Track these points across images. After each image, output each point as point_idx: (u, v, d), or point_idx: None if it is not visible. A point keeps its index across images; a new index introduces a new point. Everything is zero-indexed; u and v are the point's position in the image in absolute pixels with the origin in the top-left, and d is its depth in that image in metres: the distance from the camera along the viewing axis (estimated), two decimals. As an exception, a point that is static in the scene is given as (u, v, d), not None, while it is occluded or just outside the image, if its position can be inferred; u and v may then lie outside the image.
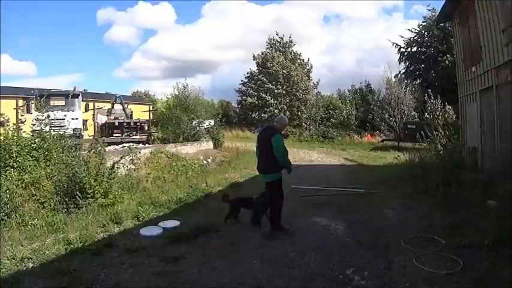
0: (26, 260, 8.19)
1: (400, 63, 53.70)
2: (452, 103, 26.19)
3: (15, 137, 13.55)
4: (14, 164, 12.66)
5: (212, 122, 34.26)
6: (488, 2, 14.17)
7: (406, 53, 53.11)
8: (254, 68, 62.84)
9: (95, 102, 36.97)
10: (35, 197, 12.00)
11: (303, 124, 56.35)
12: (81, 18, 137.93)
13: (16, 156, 12.84)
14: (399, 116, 43.01)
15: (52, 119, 15.25)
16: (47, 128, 14.31)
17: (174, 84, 61.77)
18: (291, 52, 62.76)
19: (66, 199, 11.86)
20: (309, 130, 52.66)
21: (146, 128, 33.85)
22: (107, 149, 17.85)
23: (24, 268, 7.90)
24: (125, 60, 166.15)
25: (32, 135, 14.27)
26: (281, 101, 58.03)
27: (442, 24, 29.57)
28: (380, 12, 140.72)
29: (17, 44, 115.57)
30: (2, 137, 13.56)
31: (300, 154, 32.14)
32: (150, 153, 21.70)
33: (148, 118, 35.38)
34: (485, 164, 15.37)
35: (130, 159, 17.27)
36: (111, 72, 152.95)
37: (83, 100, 32.09)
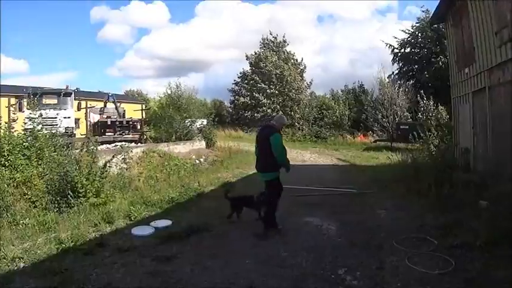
0: (17, 259, 8.14)
1: (393, 64, 53.82)
2: (445, 104, 26.26)
3: (7, 136, 13.48)
4: (6, 162, 12.57)
5: (205, 122, 34.21)
6: (482, 4, 14.21)
7: (399, 54, 53.15)
8: (247, 67, 62.93)
9: (87, 101, 36.74)
10: (27, 196, 11.94)
11: (296, 124, 56.27)
12: (75, 16, 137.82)
13: (8, 154, 12.74)
14: (392, 116, 43.09)
15: (44, 118, 15.17)
16: (39, 127, 14.25)
17: (167, 83, 61.84)
18: (284, 52, 62.82)
19: (58, 198, 11.82)
20: (302, 130, 52.67)
21: (139, 127, 33.84)
22: (99, 147, 17.82)
23: (16, 268, 7.86)
24: (118, 58, 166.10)
25: (24, 134, 14.21)
26: (274, 100, 58.07)
27: (435, 25, 29.65)
28: (374, 12, 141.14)
29: (10, 42, 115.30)
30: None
31: (292, 154, 31.91)
32: (143, 152, 21.65)
33: (141, 117, 35.32)
34: (478, 164, 15.42)
35: (123, 159, 17.25)
36: (104, 71, 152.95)
37: (75, 99, 32.03)
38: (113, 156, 15.00)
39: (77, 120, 32.79)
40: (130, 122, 33.49)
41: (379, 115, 43.97)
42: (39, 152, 13.51)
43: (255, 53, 62.04)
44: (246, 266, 7.94)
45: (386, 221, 11.24)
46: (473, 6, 15.11)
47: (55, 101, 29.31)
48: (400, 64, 53.43)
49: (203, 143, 30.28)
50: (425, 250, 8.54)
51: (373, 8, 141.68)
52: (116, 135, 30.87)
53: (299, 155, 32.31)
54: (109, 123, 32.71)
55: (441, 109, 30.20)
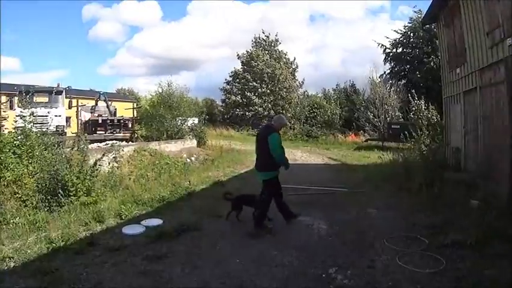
0: (7, 259, 8.10)
1: (385, 63, 53.93)
2: (437, 104, 26.31)
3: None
4: (-4, 161, 12.54)
5: (196, 120, 34.18)
6: (474, 5, 14.25)
7: (391, 54, 53.20)
8: (239, 66, 62.94)
9: (78, 99, 36.84)
10: (17, 195, 11.91)
11: (287, 123, 55.97)
12: (66, 14, 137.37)
13: (-2, 153, 12.72)
14: (383, 116, 43.18)
15: (35, 116, 15.12)
16: (30, 125, 14.19)
17: (158, 81, 61.68)
18: (276, 51, 62.89)
19: (49, 197, 11.80)
20: (293, 129, 52.60)
21: (130, 125, 33.86)
22: (90, 146, 17.76)
23: (6, 267, 7.82)
24: (110, 57, 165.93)
25: (15, 132, 14.16)
26: (265, 99, 58.12)
27: (427, 25, 29.76)
28: (366, 12, 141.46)
29: (1, 40, 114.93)
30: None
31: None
32: (134, 151, 21.61)
33: (132, 115, 35.28)
34: (468, 164, 15.47)
35: (114, 157, 17.21)
36: (96, 69, 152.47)
37: (66, 97, 32.09)
38: (103, 155, 14.91)
39: (68, 119, 32.88)
40: (122, 121, 33.56)
41: (370, 115, 44.07)
42: (30, 150, 13.46)
43: (247, 52, 62.07)
44: (236, 265, 7.93)
45: (377, 220, 11.25)
46: (465, 7, 15.14)
47: (46, 99, 29.37)
48: (392, 64, 53.52)
49: (194, 142, 30.29)
50: (416, 249, 8.54)
51: (366, 8, 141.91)
52: (107, 134, 30.93)
53: (290, 154, 31.96)
54: (100, 121, 32.75)
55: (432, 109, 30.24)
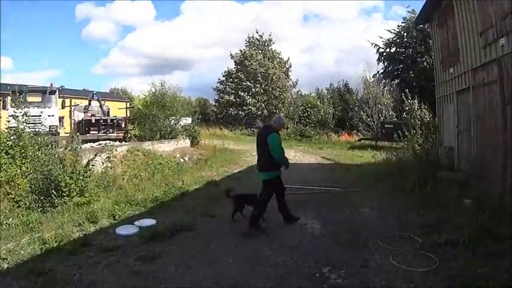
0: (0, 260, 8.11)
1: (378, 63, 53.86)
2: (430, 103, 26.39)
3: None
4: (-11, 161, 12.51)
5: (189, 120, 34.15)
6: (467, 5, 14.27)
7: (384, 54, 53.18)
8: (232, 66, 62.94)
9: (71, 99, 36.80)
10: (10, 196, 11.88)
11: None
12: (59, 13, 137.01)
13: (-9, 153, 12.68)
14: (377, 115, 43.24)
15: (28, 116, 15.08)
16: (23, 125, 14.15)
17: (151, 81, 61.56)
18: (269, 50, 62.88)
19: (42, 198, 11.80)
20: (287, 129, 52.45)
21: (123, 125, 33.81)
22: (83, 146, 17.74)
23: (-1, 268, 7.81)
24: (103, 56, 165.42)
25: (8, 132, 14.12)
26: (259, 99, 58.11)
27: (421, 25, 29.84)
28: (360, 12, 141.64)
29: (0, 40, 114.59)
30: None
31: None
32: (127, 151, 21.59)
33: (125, 115, 35.23)
34: (462, 163, 15.51)
35: (107, 157, 17.18)
36: (89, 69, 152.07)
37: (59, 97, 32.07)
38: (96, 155, 14.87)
39: (61, 119, 32.85)
40: (115, 121, 33.53)
41: (363, 114, 44.13)
42: (23, 150, 13.43)
43: (241, 52, 62.06)
44: (230, 265, 7.95)
45: (370, 220, 11.30)
46: (459, 7, 15.17)
47: (39, 99, 29.34)
48: (386, 63, 53.49)
49: (188, 142, 30.27)
50: (410, 248, 8.57)
51: (360, 8, 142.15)
52: (100, 134, 30.92)
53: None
54: (93, 121, 32.74)
55: (424, 108, 30.31)
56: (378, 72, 52.56)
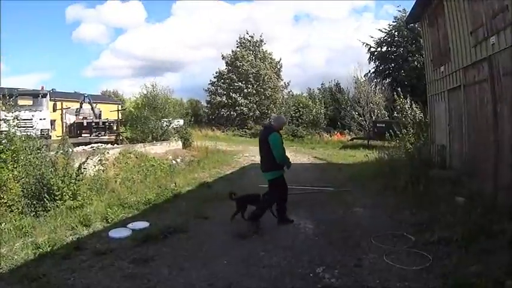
0: (-6, 265, 8.06)
1: (370, 62, 54.16)
2: (422, 102, 26.47)
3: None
4: (-20, 166, 12.45)
5: (181, 122, 34.12)
6: (457, 4, 14.31)
7: (376, 53, 53.41)
8: (223, 67, 62.98)
9: (63, 102, 36.64)
10: (2, 200, 11.78)
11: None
12: (50, 15, 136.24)
13: (-19, 158, 12.63)
14: (369, 114, 43.37)
15: (19, 120, 15.02)
16: (14, 129, 14.09)
17: (143, 83, 61.53)
18: (260, 51, 62.95)
19: (34, 202, 11.74)
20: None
21: (115, 128, 33.76)
22: (75, 149, 17.70)
23: (-8, 274, 7.77)
24: (94, 58, 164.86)
25: (-1, 137, 14.08)
26: (251, 100, 58.17)
27: (411, 24, 29.93)
28: (351, 12, 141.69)
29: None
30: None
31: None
32: (119, 153, 21.59)
33: (117, 118, 35.18)
34: (454, 161, 15.55)
35: (99, 160, 17.15)
36: (80, 71, 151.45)
37: (50, 100, 31.88)
38: (87, 158, 14.84)
39: (52, 122, 32.69)
40: (107, 123, 33.51)
41: (355, 113, 44.25)
42: (14, 155, 13.36)
43: (232, 52, 62.13)
44: (223, 266, 7.96)
45: (363, 219, 11.35)
46: (449, 6, 15.20)
47: (30, 103, 29.19)
48: (377, 63, 53.69)
49: (180, 143, 30.30)
50: (403, 247, 8.62)
51: (350, 8, 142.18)
52: (92, 137, 30.90)
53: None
54: (85, 124, 32.74)
55: (415, 107, 30.39)
56: (370, 71, 53.02)
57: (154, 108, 30.96)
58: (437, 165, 16.43)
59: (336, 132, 49.61)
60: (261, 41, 64.39)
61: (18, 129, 14.39)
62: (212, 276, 7.40)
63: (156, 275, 7.52)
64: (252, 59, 59.94)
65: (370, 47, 53.40)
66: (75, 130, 33.10)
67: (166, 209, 13.06)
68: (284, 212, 10.99)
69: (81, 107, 36.10)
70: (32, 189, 12.15)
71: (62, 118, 35.25)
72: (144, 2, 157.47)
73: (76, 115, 35.30)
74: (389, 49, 52.33)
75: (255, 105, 58.59)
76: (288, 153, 11.10)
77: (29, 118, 25.05)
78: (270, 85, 59.20)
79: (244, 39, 63.81)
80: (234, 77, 59.38)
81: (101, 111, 38.06)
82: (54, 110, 32.70)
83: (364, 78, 48.29)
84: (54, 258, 8.40)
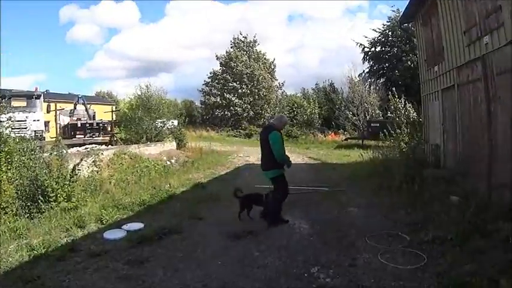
0: (-12, 268, 8.03)
1: (364, 62, 54.24)
2: (416, 101, 26.53)
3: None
4: (-27, 168, 12.41)
5: (175, 122, 34.10)
6: (451, 4, 14.35)
7: (370, 53, 53.50)
8: (217, 68, 63.00)
9: (57, 103, 36.63)
10: (-4, 203, 11.81)
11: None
12: (43, 16, 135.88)
13: (-25, 160, 12.58)
14: (363, 114, 43.43)
15: (13, 121, 14.98)
16: (8, 131, 14.06)
17: (137, 83, 61.46)
18: (254, 51, 62.99)
19: (29, 204, 11.70)
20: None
21: (109, 129, 33.70)
22: (69, 150, 17.66)
23: (-13, 276, 7.75)
24: (88, 59, 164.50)
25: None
26: (245, 100, 58.18)
27: (405, 24, 29.97)
28: (344, 12, 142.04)
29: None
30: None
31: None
32: (113, 154, 21.51)
33: (111, 119, 35.14)
34: (448, 161, 15.58)
35: (93, 161, 17.13)
36: (74, 72, 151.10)
37: (44, 101, 31.86)
38: (81, 159, 14.83)
39: (46, 123, 32.61)
40: (101, 124, 33.43)
41: (349, 113, 44.31)
42: (8, 156, 13.33)
43: (226, 53, 62.17)
44: (218, 267, 7.95)
45: (358, 219, 11.36)
46: (443, 6, 15.24)
47: (24, 104, 29.13)
48: (371, 63, 53.78)
49: (174, 144, 30.24)
50: (398, 246, 8.63)
51: (344, 8, 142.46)
52: (86, 138, 30.85)
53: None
54: (79, 125, 32.67)
55: (409, 106, 30.48)
56: (364, 71, 53.08)
57: (148, 109, 30.90)
58: (431, 165, 16.47)
59: (330, 132, 49.70)
60: (255, 41, 64.51)
61: (12, 130, 14.36)
62: (207, 277, 7.39)
63: (151, 276, 7.50)
64: (246, 60, 59.96)
65: (364, 47, 53.54)
66: (69, 131, 33.05)
67: (160, 210, 13.05)
68: (279, 212, 10.97)
69: (75, 108, 36.07)
70: (26, 191, 12.11)
71: (56, 119, 35.22)
72: (138, 3, 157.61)
73: (70, 116, 35.27)
74: (383, 49, 52.41)
75: (249, 106, 58.60)
76: (284, 153, 11.07)
77: (23, 119, 25.03)
78: (264, 85, 59.24)
79: (238, 39, 63.85)
80: (229, 78, 59.40)
81: (95, 112, 38.03)
82: (48, 111, 32.66)
83: (358, 78, 48.40)
84: (48, 260, 8.37)
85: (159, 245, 9.32)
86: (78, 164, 14.03)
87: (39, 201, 11.63)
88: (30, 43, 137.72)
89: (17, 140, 14.08)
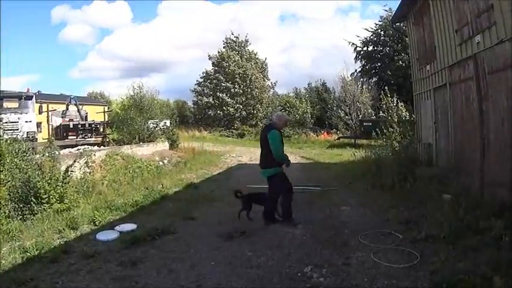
0: (-19, 270, 7.99)
1: (356, 62, 54.30)
2: (408, 101, 26.57)
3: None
4: (-35, 170, 12.36)
5: (168, 123, 34.05)
6: (443, 3, 14.39)
7: (362, 52, 53.54)
8: (209, 67, 62.95)
9: (49, 104, 36.59)
10: (-11, 205, 11.76)
11: (259, 123, 56.35)
12: (35, 16, 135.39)
13: (-33, 162, 12.54)
14: (355, 113, 43.48)
15: (5, 122, 14.94)
16: (0, 132, 14.02)
17: (129, 84, 61.37)
18: (246, 51, 62.98)
19: (21, 205, 11.61)
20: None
21: (101, 129, 33.65)
22: (61, 152, 17.61)
23: (-20, 279, 7.71)
24: (80, 60, 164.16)
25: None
26: (237, 100, 58.18)
27: (397, 23, 29.96)
28: (336, 11, 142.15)
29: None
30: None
31: (256, 153, 31.78)
32: (106, 155, 21.44)
33: (103, 119, 35.09)
34: (440, 159, 15.63)
35: (85, 162, 17.09)
36: (66, 73, 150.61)
37: (36, 102, 31.76)
38: (74, 161, 14.79)
39: (38, 124, 32.46)
40: (93, 125, 33.38)
41: (341, 112, 44.35)
42: (0, 158, 13.30)
43: (218, 53, 62.12)
44: (211, 267, 7.94)
45: (351, 218, 11.38)
46: (434, 5, 15.28)
47: (16, 105, 29.03)
48: (363, 62, 53.83)
49: (166, 144, 30.18)
50: (391, 244, 8.66)
51: (336, 7, 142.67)
52: (78, 139, 30.77)
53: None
54: (71, 126, 32.63)
55: (401, 105, 30.54)
56: (356, 70, 53.09)
57: (140, 110, 30.87)
58: (423, 163, 16.52)
59: (322, 131, 49.69)
60: (247, 41, 64.49)
61: (4, 132, 14.32)
62: (200, 277, 7.38)
63: (144, 277, 7.48)
64: (238, 59, 59.93)
65: (356, 46, 53.56)
66: (61, 132, 32.97)
67: (153, 210, 13.04)
68: (273, 212, 10.98)
69: (67, 109, 36.02)
70: (18, 192, 12.03)
71: (48, 120, 35.18)
72: (130, 3, 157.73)
73: (62, 117, 35.22)
74: (375, 48, 52.49)
75: (241, 106, 58.58)
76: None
77: (15, 121, 24.96)
78: (257, 85, 59.18)
79: (230, 39, 63.85)
80: (221, 77, 59.33)
81: (87, 113, 37.96)
82: (40, 112, 32.58)
83: (350, 78, 48.46)
84: (41, 262, 8.34)
85: (152, 246, 9.29)
86: (71, 166, 13.97)
87: (32, 202, 11.56)
88: (22, 44, 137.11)
89: (9, 142, 14.03)
